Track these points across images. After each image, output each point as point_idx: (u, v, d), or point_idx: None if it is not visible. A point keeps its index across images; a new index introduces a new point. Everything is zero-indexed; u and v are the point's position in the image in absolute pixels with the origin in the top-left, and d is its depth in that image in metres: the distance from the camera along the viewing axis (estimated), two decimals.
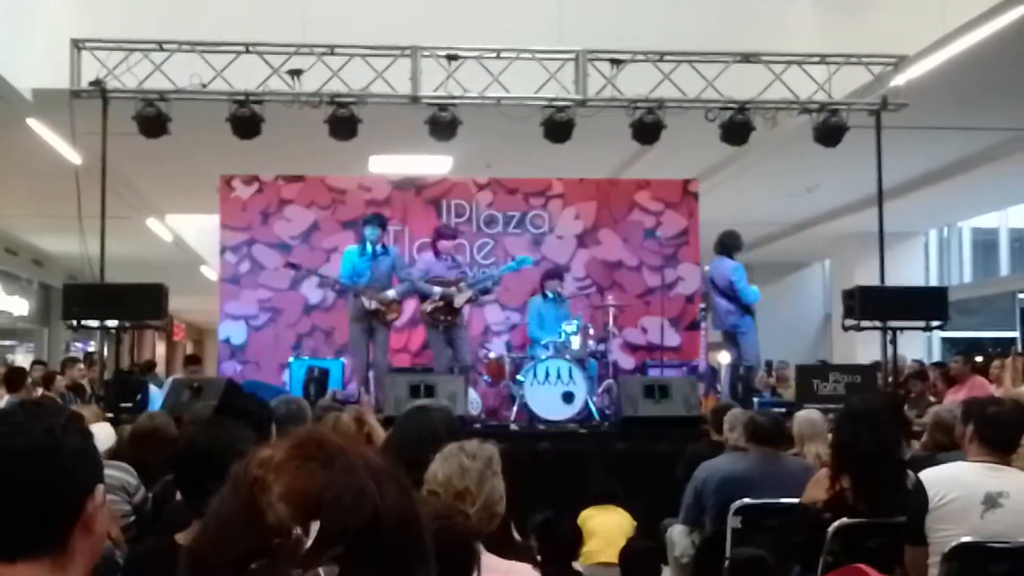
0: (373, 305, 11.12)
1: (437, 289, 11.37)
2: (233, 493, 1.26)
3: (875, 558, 4.64)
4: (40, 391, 12.02)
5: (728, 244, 11.90)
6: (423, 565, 1.29)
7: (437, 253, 11.80)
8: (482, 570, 3.14)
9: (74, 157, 11.07)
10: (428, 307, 11.53)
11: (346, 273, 11.51)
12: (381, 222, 11.63)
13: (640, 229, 14.05)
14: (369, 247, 11.36)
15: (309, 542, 1.19)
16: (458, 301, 11.33)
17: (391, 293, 11.23)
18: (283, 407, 5.96)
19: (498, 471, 3.46)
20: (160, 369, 27.78)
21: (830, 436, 6.34)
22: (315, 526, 1.19)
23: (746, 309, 11.72)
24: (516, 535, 4.00)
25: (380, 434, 7.35)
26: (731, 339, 11.89)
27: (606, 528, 7.56)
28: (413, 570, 1.27)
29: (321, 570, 1.18)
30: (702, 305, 13.02)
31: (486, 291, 11.93)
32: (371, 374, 11.44)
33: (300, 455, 1.26)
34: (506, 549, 3.42)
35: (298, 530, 1.19)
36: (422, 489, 3.40)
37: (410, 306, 13.11)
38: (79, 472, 1.75)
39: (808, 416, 7.16)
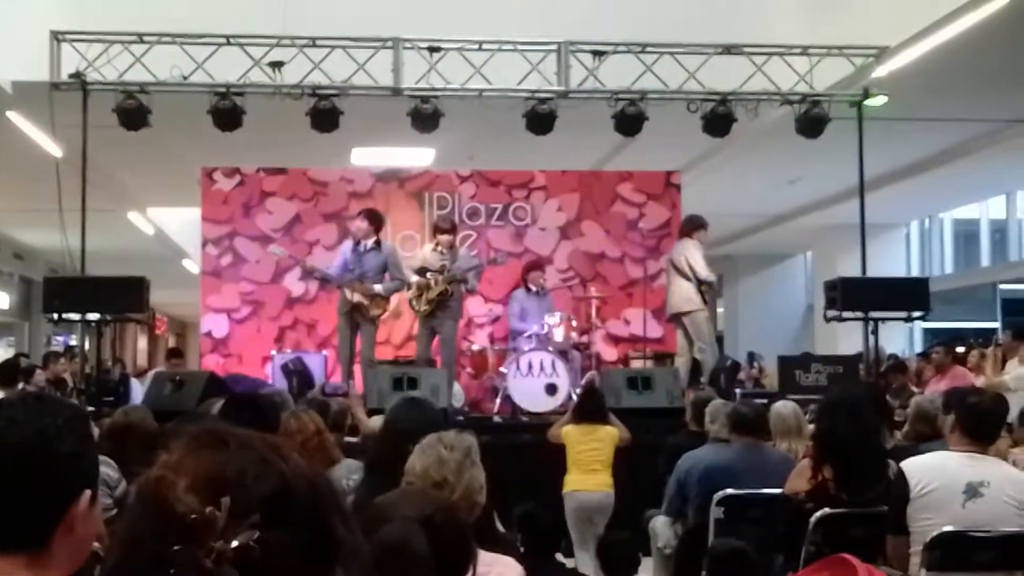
0: (356, 298, 11.08)
1: (414, 278, 11.34)
2: (141, 499, 1.29)
3: (857, 548, 4.64)
4: (20, 385, 11.94)
5: (686, 227, 11.91)
6: (342, 519, 1.33)
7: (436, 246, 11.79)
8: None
9: (54, 150, 11.01)
10: (408, 296, 11.57)
11: (337, 264, 11.46)
12: (371, 217, 11.50)
13: (623, 221, 14.07)
14: (361, 243, 11.31)
15: (223, 517, 1.22)
16: (431, 292, 11.31)
17: (377, 287, 11.18)
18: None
19: (477, 461, 3.46)
20: (142, 363, 27.76)
21: (811, 427, 6.36)
22: (226, 501, 1.23)
23: (699, 289, 11.62)
24: (499, 527, 4.01)
25: (367, 425, 7.36)
26: (679, 322, 11.78)
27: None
28: (333, 525, 1.31)
29: (239, 537, 1.21)
30: None
31: (455, 281, 11.62)
32: (355, 367, 11.42)
33: (196, 446, 1.30)
34: (489, 541, 3.42)
35: (210, 508, 1.22)
36: (403, 480, 3.40)
37: (394, 299, 13.12)
38: (67, 475, 1.74)
39: (779, 411, 7.12)
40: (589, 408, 8.24)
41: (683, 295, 11.58)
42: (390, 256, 11.42)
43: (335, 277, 11.23)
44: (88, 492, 1.75)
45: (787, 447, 6.82)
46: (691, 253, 11.57)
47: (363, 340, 11.24)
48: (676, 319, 11.84)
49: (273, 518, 1.24)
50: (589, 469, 8.01)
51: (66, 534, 1.71)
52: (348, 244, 11.47)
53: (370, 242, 11.20)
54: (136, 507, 1.29)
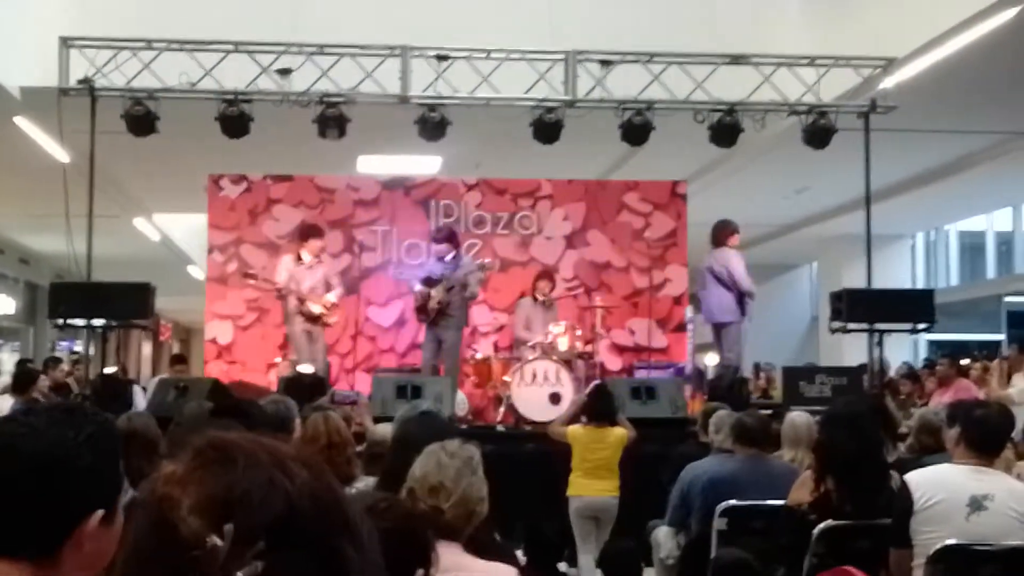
0: (318, 310, 11.43)
1: (418, 287, 11.48)
2: (145, 516, 1.26)
3: (860, 560, 4.66)
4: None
5: (720, 233, 11.84)
6: (351, 539, 1.27)
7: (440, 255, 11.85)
8: (461, 571, 3.13)
9: (62, 155, 11.05)
10: (414, 307, 11.69)
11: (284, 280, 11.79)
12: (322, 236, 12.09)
13: (628, 230, 14.06)
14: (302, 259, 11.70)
15: (226, 547, 1.18)
16: (431, 303, 11.36)
17: (330, 296, 11.52)
18: (270, 407, 5.93)
19: (478, 471, 3.44)
20: (146, 369, 27.78)
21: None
22: (229, 529, 1.18)
23: (740, 301, 11.63)
24: (496, 535, 4.00)
25: (373, 432, 7.32)
26: (717, 333, 11.84)
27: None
28: (341, 547, 1.26)
29: (244, 570, 1.17)
30: (688, 307, 13.02)
31: (451, 289, 11.62)
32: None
33: (201, 463, 1.26)
34: (485, 549, 3.42)
35: (213, 537, 1.18)
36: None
37: (398, 308, 13.22)
38: (82, 490, 1.72)
39: (793, 420, 7.11)
40: (598, 409, 8.21)
41: (723, 306, 11.57)
42: (328, 267, 11.98)
43: (294, 291, 11.51)
44: (101, 512, 1.72)
45: (793, 456, 6.80)
46: (733, 263, 11.56)
47: (320, 347, 11.47)
48: (714, 328, 11.87)
49: (278, 543, 1.20)
50: (596, 475, 8.00)
51: (75, 549, 1.69)
52: (288, 260, 11.69)
53: (313, 258, 11.50)
54: (141, 523, 1.27)
